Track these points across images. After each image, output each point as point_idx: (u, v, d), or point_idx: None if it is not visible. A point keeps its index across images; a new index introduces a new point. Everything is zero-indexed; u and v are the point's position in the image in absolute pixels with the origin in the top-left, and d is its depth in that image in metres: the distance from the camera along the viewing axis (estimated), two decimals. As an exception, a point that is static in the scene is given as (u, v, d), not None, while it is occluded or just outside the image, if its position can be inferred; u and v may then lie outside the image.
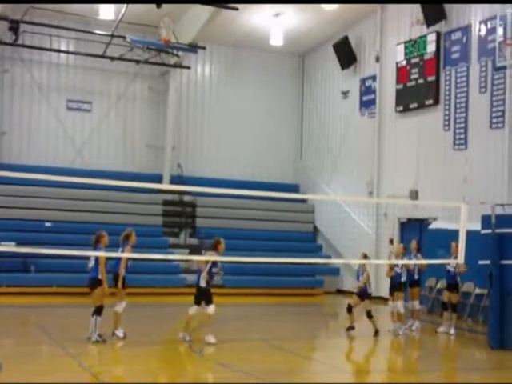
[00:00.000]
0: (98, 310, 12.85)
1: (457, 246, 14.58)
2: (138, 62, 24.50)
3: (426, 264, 15.75)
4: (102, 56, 23.98)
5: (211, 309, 13.27)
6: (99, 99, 25.91)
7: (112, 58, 24.12)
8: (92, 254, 12.96)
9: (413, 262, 15.67)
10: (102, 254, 12.79)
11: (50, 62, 25.13)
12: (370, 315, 15.18)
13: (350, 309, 15.17)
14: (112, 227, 18.30)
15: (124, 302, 13.47)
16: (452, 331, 15.42)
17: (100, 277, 12.90)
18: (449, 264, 15.44)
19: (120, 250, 13.42)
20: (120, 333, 13.43)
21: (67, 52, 24.95)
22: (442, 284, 17.86)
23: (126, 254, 13.10)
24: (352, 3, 22.35)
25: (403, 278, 15.50)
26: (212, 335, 13.23)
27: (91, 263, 12.99)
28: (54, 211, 23.05)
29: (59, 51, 24.79)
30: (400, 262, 15.39)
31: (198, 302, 13.40)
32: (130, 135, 26.34)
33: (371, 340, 15.36)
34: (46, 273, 21.24)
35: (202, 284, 13.34)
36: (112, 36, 23.15)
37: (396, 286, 15.69)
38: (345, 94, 23.62)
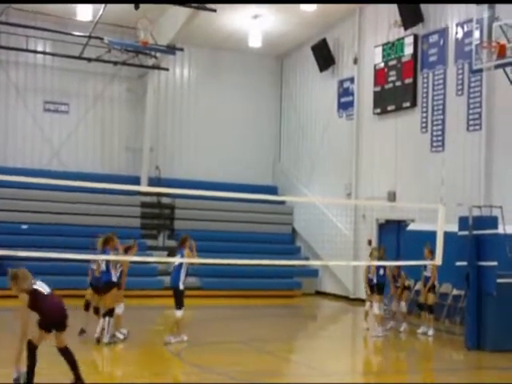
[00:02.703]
0: (111, 312, 13.00)
1: (429, 251, 14.79)
2: (115, 63, 24.34)
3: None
4: (80, 57, 23.80)
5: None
6: (76, 101, 25.73)
7: (89, 60, 23.97)
8: (67, 256, 12.91)
9: (388, 263, 15.73)
10: (86, 256, 12.83)
11: (26, 63, 24.91)
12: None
13: None
14: (90, 229, 18.22)
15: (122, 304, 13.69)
16: (430, 332, 15.50)
17: (114, 279, 13.10)
18: (425, 270, 15.56)
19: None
20: (120, 335, 13.58)
21: (44, 53, 24.75)
22: (420, 285, 17.93)
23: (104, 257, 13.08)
24: (330, 3, 22.40)
25: (374, 281, 15.59)
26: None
27: (102, 267, 13.02)
28: (30, 213, 22.86)
29: (36, 52, 24.58)
30: (377, 263, 15.44)
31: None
32: (108, 137, 26.18)
33: (350, 341, 15.41)
34: (23, 276, 21.00)
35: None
36: (89, 37, 23.00)
37: (371, 287, 15.74)
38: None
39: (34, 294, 9.33)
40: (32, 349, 9.18)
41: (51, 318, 9.42)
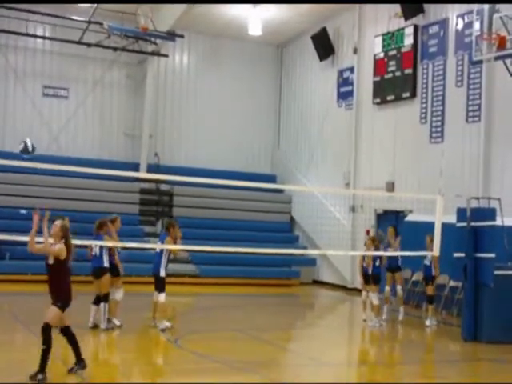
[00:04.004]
0: (106, 297, 13.03)
1: (430, 240, 14.84)
2: (115, 49, 24.28)
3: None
4: (79, 42, 23.74)
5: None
6: (76, 86, 25.69)
7: (89, 45, 23.89)
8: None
9: (387, 253, 15.76)
10: (83, 242, 12.78)
11: (26, 48, 24.85)
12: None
13: None
14: (88, 215, 18.18)
15: (121, 290, 13.63)
16: (428, 323, 15.55)
17: (106, 265, 13.07)
18: (425, 258, 15.58)
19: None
20: (117, 321, 13.56)
21: (43, 37, 24.68)
22: (417, 276, 18.02)
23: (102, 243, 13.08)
24: (330, 3, 22.46)
25: (369, 271, 15.60)
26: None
27: (94, 251, 13.02)
28: (29, 198, 22.81)
29: (35, 36, 24.50)
30: (374, 253, 15.47)
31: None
32: (107, 123, 26.17)
33: (347, 331, 15.44)
34: (21, 260, 21.00)
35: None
36: (89, 22, 22.95)
37: (366, 278, 15.77)
38: None
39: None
40: (49, 332, 9.08)
41: (70, 293, 9.52)
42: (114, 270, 13.53)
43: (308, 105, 26.53)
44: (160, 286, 13.40)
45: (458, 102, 18.88)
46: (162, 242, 13.53)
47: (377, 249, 15.69)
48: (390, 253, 15.79)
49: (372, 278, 15.56)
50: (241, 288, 21.98)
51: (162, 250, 13.40)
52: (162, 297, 13.34)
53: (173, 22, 23.28)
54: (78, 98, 25.70)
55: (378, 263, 15.61)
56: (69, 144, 25.42)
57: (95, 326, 12.99)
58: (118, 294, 13.50)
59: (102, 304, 13.01)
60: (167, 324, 13.31)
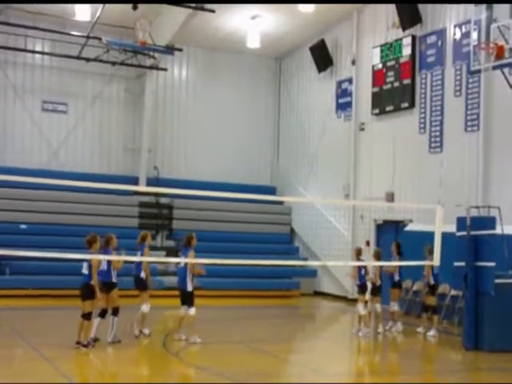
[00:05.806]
0: (116, 311, 13.12)
1: (428, 250, 14.84)
2: (113, 63, 24.35)
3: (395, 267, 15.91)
4: (78, 57, 23.84)
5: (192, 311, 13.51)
6: (75, 101, 25.74)
7: (88, 60, 23.99)
8: (66, 256, 12.88)
9: (386, 263, 15.76)
10: (85, 256, 12.77)
11: (25, 63, 24.91)
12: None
13: None
14: (88, 229, 18.14)
15: (148, 304, 13.86)
16: (432, 333, 15.50)
17: (114, 280, 13.13)
18: (424, 269, 15.56)
19: (139, 253, 14.04)
20: (146, 330, 13.92)
21: (42, 53, 24.76)
22: (418, 286, 17.98)
23: (114, 257, 13.07)
24: (328, 3, 22.44)
25: (361, 281, 15.59)
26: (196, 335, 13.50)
27: (102, 266, 13.04)
28: (29, 213, 22.86)
29: (34, 52, 24.59)
30: (372, 263, 15.50)
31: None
32: (106, 137, 26.19)
33: (348, 342, 15.39)
34: (21, 275, 21.04)
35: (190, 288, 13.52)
36: (88, 37, 23.03)
37: (358, 288, 15.78)
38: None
39: None
40: None
41: None
42: (141, 284, 13.93)
43: (307, 116, 26.56)
44: (189, 300, 13.49)
45: (456, 112, 18.90)
46: (186, 257, 13.50)
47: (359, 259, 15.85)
48: (390, 263, 15.77)
49: (359, 288, 15.60)
50: (242, 300, 21.94)
51: (186, 265, 13.41)
52: (192, 311, 13.44)
53: (171, 35, 23.35)
54: (77, 113, 25.75)
55: (363, 273, 15.66)
56: (68, 158, 25.45)
57: (96, 340, 12.94)
58: (146, 307, 13.79)
59: (111, 318, 13.07)
60: (198, 339, 13.39)
